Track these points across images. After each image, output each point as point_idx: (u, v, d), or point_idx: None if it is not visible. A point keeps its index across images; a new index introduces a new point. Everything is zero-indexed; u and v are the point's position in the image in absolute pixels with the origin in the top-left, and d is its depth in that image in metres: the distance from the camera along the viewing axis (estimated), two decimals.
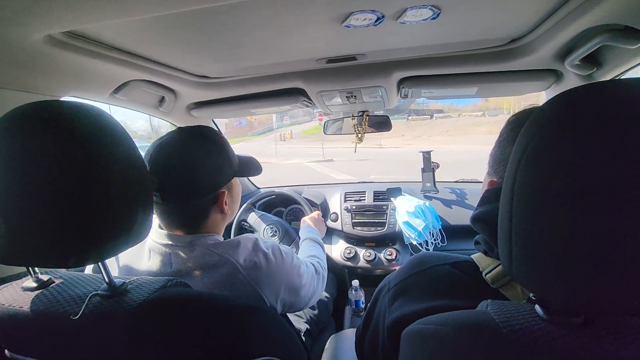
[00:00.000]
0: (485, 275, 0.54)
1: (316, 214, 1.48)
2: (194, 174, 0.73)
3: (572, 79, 0.96)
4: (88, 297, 0.53)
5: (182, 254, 0.72)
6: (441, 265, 0.59)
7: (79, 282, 0.59)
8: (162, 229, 0.78)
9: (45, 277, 0.59)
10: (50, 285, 0.58)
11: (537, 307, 0.40)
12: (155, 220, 0.80)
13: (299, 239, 1.45)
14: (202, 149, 0.75)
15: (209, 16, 0.66)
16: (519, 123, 0.60)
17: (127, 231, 0.50)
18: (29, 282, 0.58)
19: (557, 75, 1.01)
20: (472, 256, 0.60)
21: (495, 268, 0.53)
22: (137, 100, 1.14)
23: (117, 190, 0.48)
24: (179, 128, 0.78)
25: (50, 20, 0.59)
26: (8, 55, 0.69)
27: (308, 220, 1.40)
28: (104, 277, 0.53)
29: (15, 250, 0.47)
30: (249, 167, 0.90)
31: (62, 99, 0.88)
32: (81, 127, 0.46)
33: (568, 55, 0.85)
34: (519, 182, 0.37)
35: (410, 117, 36.12)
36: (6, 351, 0.59)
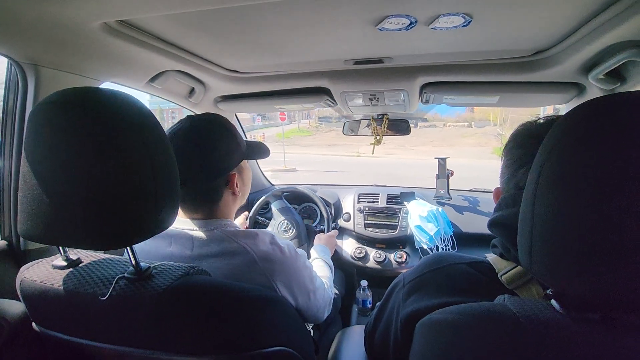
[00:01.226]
0: (501, 276, 0.55)
1: (333, 232, 1.51)
2: (208, 157, 0.77)
3: (594, 93, 0.98)
4: (115, 280, 0.55)
5: (203, 238, 0.76)
6: (458, 264, 0.61)
7: (106, 264, 0.62)
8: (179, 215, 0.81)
9: (74, 257, 0.62)
10: (79, 265, 0.61)
11: (553, 301, 0.42)
12: None
13: (308, 244, 1.48)
14: (214, 133, 0.80)
15: (248, 13, 0.70)
16: (526, 133, 0.62)
17: (155, 218, 0.53)
18: (59, 261, 0.61)
19: (579, 89, 1.02)
20: (488, 258, 0.61)
21: (511, 270, 0.55)
22: (170, 90, 1.19)
23: (148, 178, 0.51)
24: (189, 116, 0.81)
25: (110, 9, 0.64)
26: (66, 40, 0.74)
27: (323, 238, 1.41)
28: (131, 261, 0.55)
29: (51, 230, 0.49)
30: (257, 150, 0.94)
31: (103, 84, 0.94)
32: (119, 116, 0.49)
33: (592, 68, 0.87)
34: (542, 185, 0.39)
35: None
36: (34, 324, 0.63)
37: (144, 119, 0.52)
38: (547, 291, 0.44)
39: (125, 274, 0.56)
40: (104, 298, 0.53)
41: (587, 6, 0.66)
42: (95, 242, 0.49)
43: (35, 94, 0.78)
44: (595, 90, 0.96)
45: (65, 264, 0.60)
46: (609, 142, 0.34)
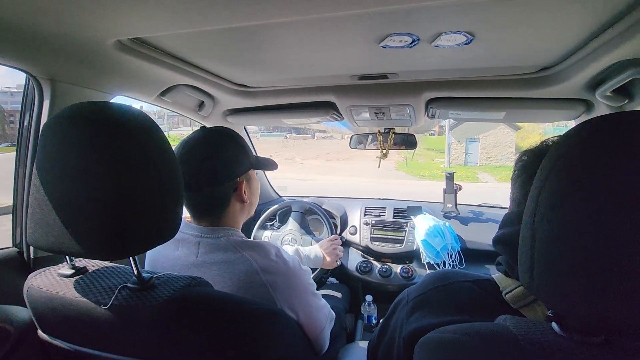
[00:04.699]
0: (506, 295, 0.55)
1: (333, 238, 1.49)
2: (213, 162, 0.80)
3: (602, 110, 0.97)
4: (118, 289, 0.56)
5: (208, 245, 0.77)
6: (462, 282, 0.61)
7: (111, 273, 0.63)
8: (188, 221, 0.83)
9: (80, 265, 0.63)
10: (85, 274, 0.62)
11: (553, 324, 0.41)
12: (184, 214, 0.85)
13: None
14: (220, 142, 0.83)
15: (257, 31, 0.72)
16: (535, 151, 0.61)
17: (159, 229, 0.54)
18: (65, 269, 0.62)
19: (587, 105, 1.01)
20: (493, 276, 0.61)
21: (516, 288, 0.54)
22: (180, 103, 1.22)
23: (152, 190, 0.52)
24: (202, 127, 0.85)
25: (124, 28, 0.67)
26: (82, 56, 0.77)
27: (323, 245, 1.41)
28: (134, 271, 0.56)
29: (58, 240, 0.50)
30: (266, 163, 0.98)
31: (115, 97, 0.97)
32: (125, 130, 0.51)
33: (599, 86, 0.86)
34: (542, 201, 0.39)
35: (288, 135, 30.58)
36: (39, 332, 0.64)
37: (149, 133, 0.54)
38: (549, 312, 0.43)
39: (128, 284, 0.57)
40: (106, 307, 0.54)
41: (588, 25, 0.66)
42: (100, 252, 0.51)
43: (50, 107, 0.81)
44: (603, 107, 0.95)
45: (71, 272, 0.61)
46: (610, 161, 0.34)
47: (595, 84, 0.87)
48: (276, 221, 1.80)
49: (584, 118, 1.06)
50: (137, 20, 0.63)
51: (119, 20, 0.63)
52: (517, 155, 0.66)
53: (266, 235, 1.72)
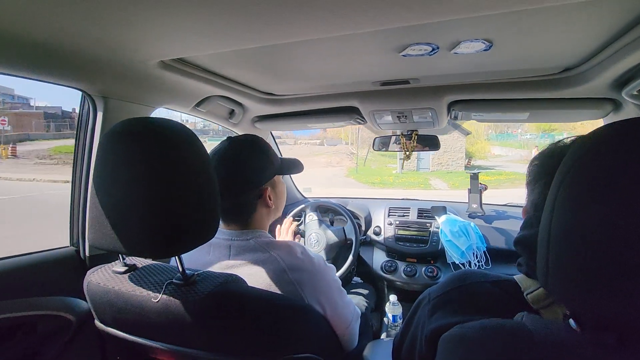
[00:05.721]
0: (527, 295, 0.56)
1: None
2: (241, 172, 0.85)
3: (631, 108, 0.95)
4: (165, 285, 0.62)
5: (239, 247, 0.83)
6: (482, 282, 0.62)
7: (157, 270, 0.69)
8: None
9: (131, 263, 0.71)
10: (135, 270, 0.69)
11: (570, 321, 0.42)
12: None
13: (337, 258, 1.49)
14: (247, 151, 0.88)
15: (283, 46, 0.78)
16: (547, 153, 0.62)
17: (200, 230, 0.60)
18: (119, 267, 0.69)
19: (614, 104, 0.99)
20: (514, 277, 0.61)
21: (537, 289, 0.55)
22: (212, 112, 1.31)
23: (194, 196, 0.58)
24: (228, 137, 0.90)
25: (167, 50, 0.75)
26: (130, 76, 0.87)
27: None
28: (178, 268, 0.62)
29: (114, 241, 0.57)
30: (291, 166, 1.02)
31: (157, 109, 1.06)
32: (170, 143, 0.57)
33: (625, 85, 0.85)
34: (560, 201, 0.39)
35: None
36: (96, 321, 0.71)
37: (190, 144, 0.60)
38: (566, 311, 0.44)
39: (174, 280, 0.63)
40: (156, 300, 0.60)
41: (610, 27, 0.66)
42: (150, 252, 0.57)
43: (103, 120, 0.92)
44: (631, 105, 0.94)
45: (124, 269, 0.69)
46: (631, 164, 0.34)
47: (621, 83, 0.86)
48: (301, 223, 1.86)
49: (612, 117, 1.04)
50: (179, 43, 0.70)
51: (162, 44, 0.71)
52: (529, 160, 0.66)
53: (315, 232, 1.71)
